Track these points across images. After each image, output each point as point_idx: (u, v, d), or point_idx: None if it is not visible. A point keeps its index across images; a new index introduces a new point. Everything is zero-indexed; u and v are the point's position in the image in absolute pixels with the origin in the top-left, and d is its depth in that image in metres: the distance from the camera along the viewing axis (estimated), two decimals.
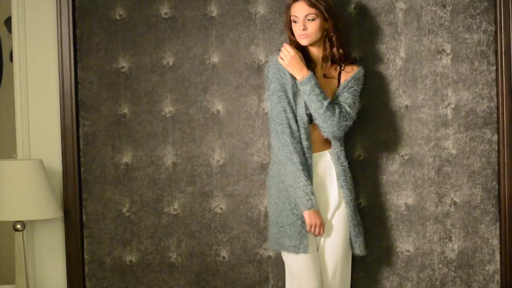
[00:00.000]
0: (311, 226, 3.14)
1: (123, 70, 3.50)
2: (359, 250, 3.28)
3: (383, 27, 3.45)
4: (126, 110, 3.51)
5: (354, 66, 3.30)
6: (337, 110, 3.16)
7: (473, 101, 3.45)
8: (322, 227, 3.16)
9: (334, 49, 3.22)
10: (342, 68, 3.26)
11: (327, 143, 3.26)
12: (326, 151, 3.26)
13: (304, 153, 3.17)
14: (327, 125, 3.16)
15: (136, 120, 3.51)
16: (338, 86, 3.25)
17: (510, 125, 3.42)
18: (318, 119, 3.17)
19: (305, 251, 3.14)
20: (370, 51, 3.45)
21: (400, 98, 3.46)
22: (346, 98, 3.21)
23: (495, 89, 3.44)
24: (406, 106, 3.46)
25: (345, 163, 3.26)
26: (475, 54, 3.44)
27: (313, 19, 3.15)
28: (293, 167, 3.13)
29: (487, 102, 3.45)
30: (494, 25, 3.43)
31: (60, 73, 3.48)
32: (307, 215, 3.14)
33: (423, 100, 3.45)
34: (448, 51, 3.44)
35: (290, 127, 3.15)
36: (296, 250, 3.15)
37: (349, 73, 3.26)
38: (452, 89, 3.45)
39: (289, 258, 3.21)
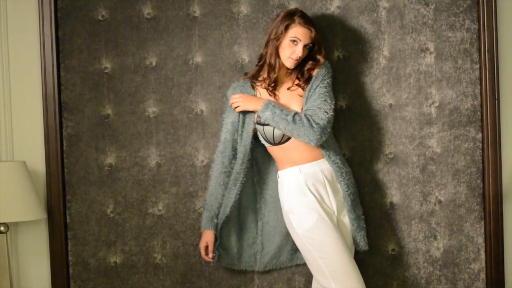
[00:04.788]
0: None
1: (106, 71, 3.49)
2: (362, 245, 3.26)
3: (366, 26, 3.44)
4: (109, 111, 3.50)
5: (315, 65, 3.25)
6: (304, 118, 3.11)
7: (457, 99, 3.45)
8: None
9: (301, 79, 3.22)
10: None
11: (316, 151, 3.21)
12: (319, 160, 3.22)
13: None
14: (303, 135, 3.11)
15: (119, 121, 3.49)
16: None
17: (494, 123, 3.42)
18: (293, 135, 3.13)
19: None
20: (354, 50, 3.44)
21: (384, 97, 3.45)
22: (314, 100, 3.16)
23: (478, 87, 3.44)
24: (390, 105, 3.45)
25: (337, 160, 3.21)
26: (458, 52, 3.44)
27: (308, 48, 3.15)
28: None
29: (471, 100, 3.44)
30: (477, 23, 3.43)
31: (42, 74, 3.46)
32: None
33: (407, 98, 3.45)
34: (432, 49, 3.44)
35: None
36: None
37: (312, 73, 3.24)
38: (436, 87, 3.44)
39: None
